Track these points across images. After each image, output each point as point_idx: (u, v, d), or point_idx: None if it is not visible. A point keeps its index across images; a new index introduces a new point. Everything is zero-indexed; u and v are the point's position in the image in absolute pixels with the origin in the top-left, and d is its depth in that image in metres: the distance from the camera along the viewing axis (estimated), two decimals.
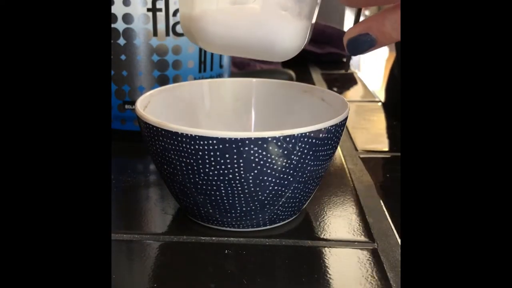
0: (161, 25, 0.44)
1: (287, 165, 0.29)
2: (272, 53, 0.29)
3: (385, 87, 0.79)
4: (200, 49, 0.47)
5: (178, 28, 0.45)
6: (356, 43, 0.28)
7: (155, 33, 0.44)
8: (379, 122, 0.58)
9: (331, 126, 0.30)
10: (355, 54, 0.29)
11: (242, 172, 0.28)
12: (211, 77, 0.50)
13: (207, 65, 0.49)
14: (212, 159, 0.28)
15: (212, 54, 0.49)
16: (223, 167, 0.28)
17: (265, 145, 0.28)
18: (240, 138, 0.27)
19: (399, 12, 0.27)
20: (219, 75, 0.51)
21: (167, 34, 0.45)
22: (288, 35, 0.29)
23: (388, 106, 0.61)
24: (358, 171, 0.42)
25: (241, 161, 0.28)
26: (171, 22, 0.44)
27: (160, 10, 0.44)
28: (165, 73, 0.46)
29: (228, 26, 0.28)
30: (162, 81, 0.46)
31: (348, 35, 0.29)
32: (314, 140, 0.29)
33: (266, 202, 0.30)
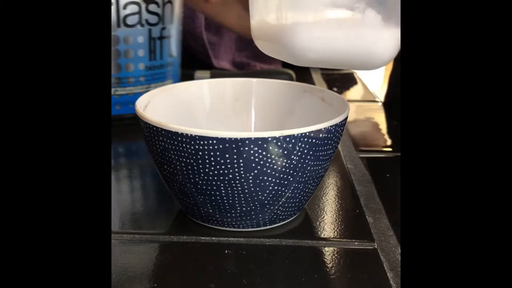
0: (112, 17, 0.49)
1: (287, 165, 0.29)
2: (369, 63, 0.29)
3: (386, 87, 0.79)
4: (149, 39, 0.51)
5: (129, 20, 0.49)
6: None
7: None
8: (379, 122, 0.58)
9: (331, 126, 0.30)
10: None
11: (242, 172, 0.28)
12: (161, 65, 0.54)
13: (157, 54, 0.53)
14: (212, 159, 0.28)
15: (161, 43, 0.53)
16: (223, 167, 0.28)
17: (265, 145, 0.28)
18: (240, 138, 0.27)
19: None
20: (169, 63, 0.55)
21: (118, 25, 0.49)
22: (386, 44, 0.28)
23: (388, 106, 0.61)
24: (358, 171, 0.42)
25: (241, 161, 0.28)
26: (122, 14, 0.49)
27: (111, 3, 0.49)
28: (117, 61, 0.50)
29: (326, 40, 0.27)
30: (116, 68, 0.51)
31: None
32: (314, 140, 0.29)
33: (266, 202, 0.30)
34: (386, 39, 0.28)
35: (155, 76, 0.54)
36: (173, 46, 0.55)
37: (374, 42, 0.28)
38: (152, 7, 0.51)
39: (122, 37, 0.49)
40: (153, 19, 0.51)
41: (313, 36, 0.27)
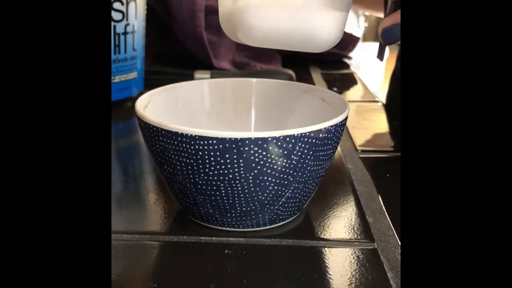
0: None
1: (287, 165, 0.29)
2: (312, 45, 0.31)
3: (387, 88, 0.79)
4: (114, 34, 0.54)
5: None
6: (390, 33, 0.30)
7: None
8: (379, 122, 0.58)
9: (331, 126, 0.30)
10: (389, 44, 0.31)
11: (242, 172, 0.28)
12: (125, 59, 0.57)
13: (121, 48, 0.56)
14: (212, 159, 0.28)
15: (125, 38, 0.56)
16: (223, 167, 0.28)
17: (265, 145, 0.28)
18: (240, 138, 0.27)
19: None
20: (133, 57, 0.58)
21: None
22: (327, 26, 0.30)
23: (390, 107, 0.61)
24: (358, 171, 0.42)
25: (241, 161, 0.28)
26: None
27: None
28: None
29: (270, 19, 0.29)
30: None
31: (382, 25, 0.30)
32: (314, 140, 0.29)
33: (266, 202, 0.30)
34: (326, 21, 0.30)
35: (120, 68, 0.57)
36: (137, 41, 0.59)
37: (314, 23, 0.30)
38: (117, 5, 0.54)
39: None
40: (117, 16, 0.55)
41: (260, 16, 0.29)
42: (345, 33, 0.32)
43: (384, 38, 0.30)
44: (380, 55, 0.33)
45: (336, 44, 0.31)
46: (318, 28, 0.30)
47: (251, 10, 0.29)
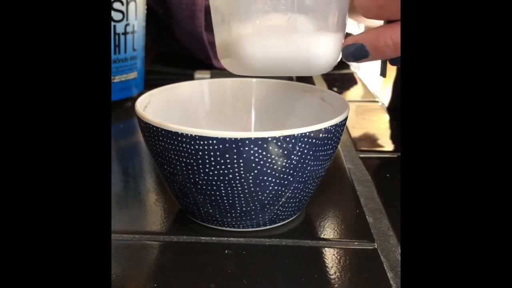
0: None
1: (287, 165, 0.29)
2: (310, 69, 0.30)
3: (390, 92, 0.79)
4: (114, 34, 0.54)
5: None
6: (350, 51, 0.30)
7: None
8: (379, 122, 0.58)
9: (331, 126, 0.30)
10: (348, 61, 0.31)
11: (242, 172, 0.28)
12: (125, 59, 0.57)
13: (121, 48, 0.56)
14: (212, 159, 0.28)
15: (125, 38, 0.56)
16: (223, 167, 0.28)
17: (265, 145, 0.28)
18: (240, 138, 0.27)
19: (397, 30, 0.28)
20: (133, 57, 0.58)
21: None
22: (323, 49, 0.30)
23: (392, 111, 0.61)
24: (358, 171, 0.42)
25: (241, 161, 0.28)
26: None
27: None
28: None
29: (266, 47, 0.29)
30: None
31: (346, 42, 0.30)
32: (314, 140, 0.29)
33: (266, 202, 0.30)
34: (322, 44, 0.30)
35: (120, 68, 0.57)
36: (137, 41, 0.59)
37: (310, 47, 0.29)
38: (117, 5, 0.55)
39: None
40: (117, 16, 0.55)
41: (255, 44, 0.29)
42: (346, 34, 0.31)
43: (344, 55, 0.31)
44: (383, 72, 0.33)
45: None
46: (314, 51, 0.29)
47: (246, 41, 0.29)
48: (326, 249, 0.31)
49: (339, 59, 0.31)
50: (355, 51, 0.30)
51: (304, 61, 0.30)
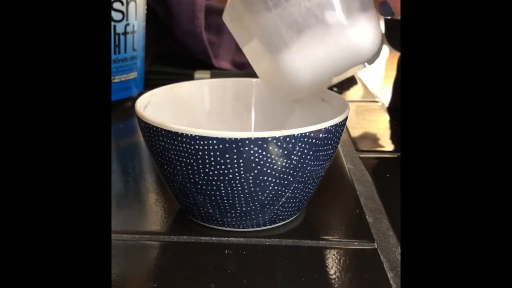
0: None
1: (287, 165, 0.29)
2: (357, 57, 0.30)
3: (391, 92, 0.79)
4: (114, 34, 0.54)
5: None
6: (381, 8, 0.33)
7: None
8: (379, 122, 0.58)
9: (331, 126, 0.30)
10: (384, 15, 0.34)
11: (242, 172, 0.28)
12: (125, 59, 0.57)
13: (121, 48, 0.56)
14: (212, 159, 0.28)
15: (125, 38, 0.56)
16: (223, 167, 0.28)
17: (265, 145, 0.28)
18: (240, 138, 0.27)
19: None
20: (133, 57, 0.58)
21: None
22: (362, 35, 0.29)
23: (392, 111, 0.61)
24: (358, 171, 0.42)
25: (241, 161, 0.28)
26: None
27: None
28: None
29: (314, 54, 0.29)
30: None
31: None
32: (314, 140, 0.29)
33: (266, 202, 0.30)
34: (358, 31, 0.29)
35: (120, 68, 0.57)
36: (137, 41, 0.59)
37: (351, 33, 0.29)
38: (117, 5, 0.55)
39: None
40: (117, 16, 0.55)
41: (294, 59, 0.29)
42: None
43: (380, 10, 0.33)
44: (391, 13, 0.35)
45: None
46: (354, 40, 0.29)
47: (290, 57, 0.29)
48: (326, 249, 0.31)
49: (380, 40, 0.31)
50: (384, 8, 0.33)
51: (352, 50, 0.29)
